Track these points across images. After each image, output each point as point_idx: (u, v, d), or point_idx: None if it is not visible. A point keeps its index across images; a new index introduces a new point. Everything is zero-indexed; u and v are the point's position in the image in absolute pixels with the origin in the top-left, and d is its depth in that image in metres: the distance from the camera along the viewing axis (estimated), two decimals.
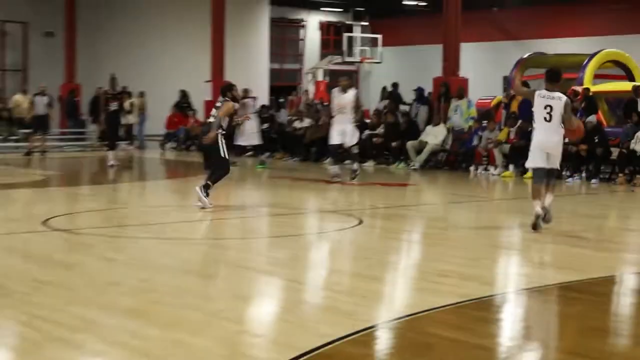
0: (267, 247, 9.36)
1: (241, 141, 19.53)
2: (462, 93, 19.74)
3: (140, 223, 10.95)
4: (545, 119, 9.75)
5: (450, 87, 20.17)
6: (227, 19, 25.06)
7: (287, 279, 7.47)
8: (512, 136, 18.00)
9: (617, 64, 21.49)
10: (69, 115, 27.35)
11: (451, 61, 20.57)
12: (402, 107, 22.46)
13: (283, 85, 33.05)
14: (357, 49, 34.00)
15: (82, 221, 11.02)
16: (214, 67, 24.70)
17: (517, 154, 16.70)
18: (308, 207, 13.36)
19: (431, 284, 7.13)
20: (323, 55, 35.05)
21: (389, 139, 20.12)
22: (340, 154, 16.47)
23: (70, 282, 7.07)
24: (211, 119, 11.79)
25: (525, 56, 22.52)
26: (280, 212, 12.16)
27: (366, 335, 5.48)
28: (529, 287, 7.18)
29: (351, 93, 15.70)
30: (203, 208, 11.33)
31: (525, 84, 16.66)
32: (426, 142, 19.33)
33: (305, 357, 4.95)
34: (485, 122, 18.81)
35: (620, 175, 16.24)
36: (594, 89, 18.98)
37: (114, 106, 18.76)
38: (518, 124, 17.87)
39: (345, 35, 34.19)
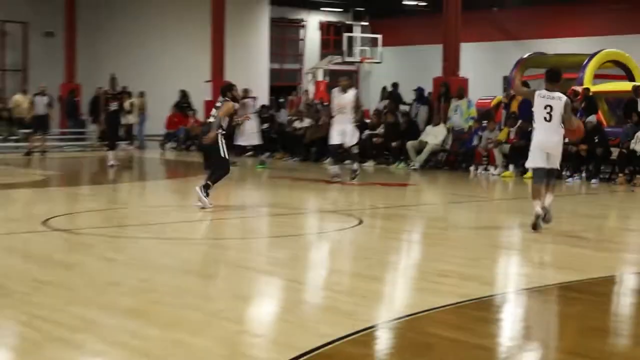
0: (267, 247, 9.36)
1: (241, 141, 19.52)
2: (462, 93, 19.73)
3: (140, 223, 10.95)
4: (545, 119, 9.75)
5: (450, 87, 20.16)
6: (227, 19, 25.05)
7: (287, 279, 7.47)
8: (512, 136, 17.99)
9: (617, 64, 21.48)
10: (69, 115, 27.34)
11: (451, 61, 20.56)
12: (402, 107, 22.45)
13: (283, 85, 33.04)
14: (357, 49, 33.99)
15: (82, 221, 11.02)
16: (214, 67, 24.69)
17: (517, 154, 16.70)
18: (308, 207, 13.36)
19: (431, 284, 7.13)
20: (323, 55, 35.04)
21: (389, 139, 20.11)
22: (340, 154, 16.46)
23: (70, 282, 7.07)
24: (211, 119, 11.79)
25: (525, 56, 22.52)
26: (280, 212, 12.16)
27: (366, 335, 5.48)
28: (529, 287, 7.18)
29: (351, 93, 15.70)
30: (203, 208, 11.33)
31: (525, 84, 16.65)
32: (426, 142, 19.32)
33: (305, 357, 4.95)
34: (485, 122, 18.80)
35: (620, 175, 16.23)
36: (594, 89, 18.97)
37: (114, 106, 18.75)
38: (518, 124, 17.87)
39: (345, 35, 34.19)
